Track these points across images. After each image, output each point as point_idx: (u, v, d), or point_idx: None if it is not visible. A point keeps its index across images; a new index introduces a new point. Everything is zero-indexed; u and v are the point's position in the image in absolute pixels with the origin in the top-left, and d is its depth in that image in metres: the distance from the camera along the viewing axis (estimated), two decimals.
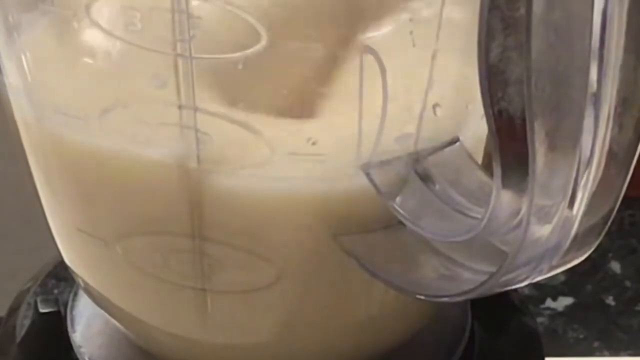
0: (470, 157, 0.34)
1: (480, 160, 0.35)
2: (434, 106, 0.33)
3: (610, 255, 0.98)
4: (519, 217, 0.28)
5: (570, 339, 0.94)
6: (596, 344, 0.94)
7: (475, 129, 0.35)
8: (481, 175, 0.33)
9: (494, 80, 0.27)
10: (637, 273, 0.98)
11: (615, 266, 0.98)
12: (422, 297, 0.33)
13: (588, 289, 0.98)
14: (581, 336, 0.94)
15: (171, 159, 0.34)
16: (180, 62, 0.32)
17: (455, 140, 0.34)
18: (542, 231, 0.28)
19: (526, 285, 0.31)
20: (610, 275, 0.98)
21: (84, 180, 0.37)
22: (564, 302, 0.96)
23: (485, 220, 0.29)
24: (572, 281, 0.98)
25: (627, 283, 0.98)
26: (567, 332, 0.94)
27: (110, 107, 0.34)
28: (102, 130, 0.34)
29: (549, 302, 0.96)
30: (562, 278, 0.97)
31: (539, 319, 0.94)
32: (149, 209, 0.35)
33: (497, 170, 0.28)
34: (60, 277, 0.46)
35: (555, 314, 0.96)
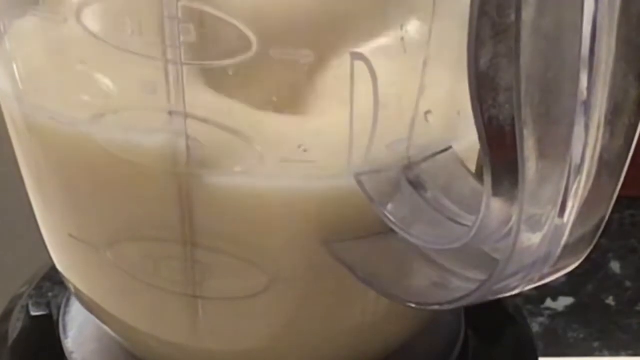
0: (463, 164, 0.33)
1: (473, 167, 0.35)
2: (426, 113, 0.33)
3: (610, 255, 0.97)
4: (510, 225, 0.28)
5: (570, 339, 0.94)
6: (596, 344, 0.93)
7: (468, 136, 0.34)
8: (474, 183, 0.33)
9: (483, 87, 0.27)
10: (637, 273, 0.98)
11: (615, 266, 0.98)
12: (413, 305, 0.32)
13: (588, 289, 0.97)
14: (581, 336, 0.94)
15: (161, 165, 0.34)
16: (170, 68, 0.32)
17: (447, 147, 0.33)
18: (533, 239, 0.28)
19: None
20: (610, 275, 0.98)
21: (74, 186, 0.36)
22: (564, 302, 0.96)
23: (475, 228, 0.29)
24: (572, 281, 0.97)
25: (627, 283, 0.97)
26: (567, 332, 0.94)
27: (100, 112, 0.34)
28: (92, 135, 0.34)
29: (549, 302, 0.96)
30: (562, 278, 0.96)
31: (539, 319, 0.94)
32: (139, 214, 0.35)
33: (488, 178, 0.28)
34: (55, 280, 0.46)
35: (555, 314, 0.95)
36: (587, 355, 0.92)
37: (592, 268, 0.95)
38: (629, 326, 0.94)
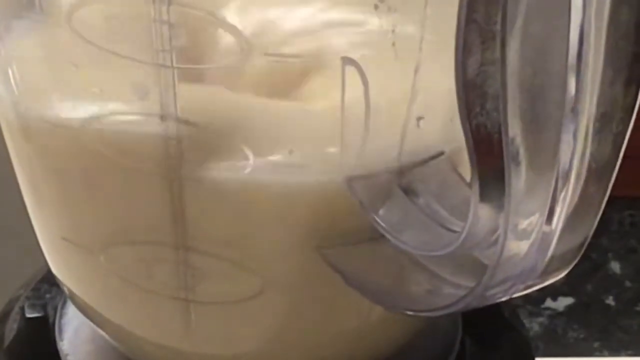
0: (455, 170, 0.33)
1: (467, 174, 0.35)
2: (418, 119, 0.33)
3: (610, 255, 0.97)
4: (498, 232, 0.28)
5: (570, 339, 0.94)
6: (596, 344, 0.93)
7: (461, 142, 0.34)
8: (465, 189, 0.33)
9: (471, 94, 0.27)
10: (637, 273, 0.98)
11: (615, 266, 0.98)
12: (404, 312, 0.32)
13: (588, 289, 0.97)
14: (581, 336, 0.94)
15: (154, 168, 0.34)
16: (162, 72, 0.32)
17: (439, 153, 0.33)
18: (521, 247, 0.28)
19: None
20: (610, 275, 0.98)
21: (67, 189, 0.37)
22: (564, 302, 0.96)
23: (463, 235, 0.29)
24: (572, 281, 0.97)
25: (627, 283, 0.97)
26: (567, 332, 0.94)
27: (93, 115, 0.34)
28: (85, 138, 0.34)
29: (549, 302, 0.96)
30: (562, 278, 0.97)
31: (539, 319, 0.94)
32: (132, 217, 0.35)
33: (475, 185, 0.28)
34: (52, 282, 0.46)
35: (555, 314, 0.95)
36: (587, 355, 0.92)
37: (592, 268, 0.95)
38: (629, 326, 0.94)
